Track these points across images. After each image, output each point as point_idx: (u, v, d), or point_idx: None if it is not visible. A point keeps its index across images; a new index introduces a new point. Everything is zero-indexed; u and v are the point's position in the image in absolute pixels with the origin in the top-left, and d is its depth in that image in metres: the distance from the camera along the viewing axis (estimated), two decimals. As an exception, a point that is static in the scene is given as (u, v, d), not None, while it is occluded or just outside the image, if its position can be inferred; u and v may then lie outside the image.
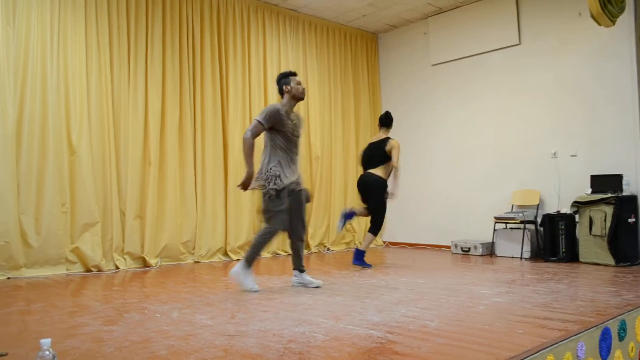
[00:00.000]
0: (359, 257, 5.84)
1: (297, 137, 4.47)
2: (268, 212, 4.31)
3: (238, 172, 6.85)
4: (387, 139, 5.89)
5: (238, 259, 6.71)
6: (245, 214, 6.93)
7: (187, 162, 6.52)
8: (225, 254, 6.77)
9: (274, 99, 7.32)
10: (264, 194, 4.29)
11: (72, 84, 5.70)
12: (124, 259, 5.96)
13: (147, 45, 6.27)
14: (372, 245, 8.24)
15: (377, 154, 5.85)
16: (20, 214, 5.30)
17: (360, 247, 5.90)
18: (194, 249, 6.51)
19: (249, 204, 6.96)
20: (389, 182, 5.78)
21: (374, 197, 5.78)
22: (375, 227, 5.84)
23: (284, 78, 4.45)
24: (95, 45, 5.88)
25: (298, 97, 4.42)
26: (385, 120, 6.05)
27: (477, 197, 7.37)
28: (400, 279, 4.95)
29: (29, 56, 5.44)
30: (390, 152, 5.78)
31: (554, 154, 6.61)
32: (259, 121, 4.28)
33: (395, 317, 3.31)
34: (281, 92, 4.47)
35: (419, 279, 4.97)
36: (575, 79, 6.47)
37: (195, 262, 6.46)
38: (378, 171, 5.79)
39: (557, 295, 3.96)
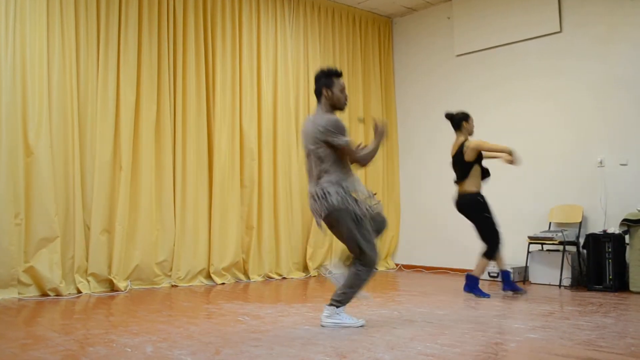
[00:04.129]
0: (473, 285, 5.74)
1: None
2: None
3: (224, 178, 6.86)
4: (464, 142, 5.81)
5: (223, 283, 6.71)
6: (233, 228, 6.92)
7: (165, 167, 6.52)
8: (208, 276, 6.76)
9: (268, 92, 7.36)
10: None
11: (30, 72, 5.70)
12: (88, 281, 5.95)
13: (119, 28, 6.28)
14: (382, 269, 8.24)
15: (459, 165, 5.84)
16: (-35, 226, 5.30)
17: (473, 273, 5.77)
18: (171, 270, 6.50)
19: (236, 217, 6.95)
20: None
21: (473, 217, 5.79)
22: (489, 250, 5.72)
23: (326, 78, 4.32)
24: (59, 26, 5.89)
25: (338, 107, 4.34)
26: (452, 122, 5.97)
27: (509, 213, 7.31)
28: (416, 310, 4.93)
29: (-21, 40, 5.46)
30: (472, 157, 5.74)
31: (601, 162, 6.60)
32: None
33: (411, 356, 3.29)
34: (317, 94, 4.35)
35: (439, 309, 4.95)
36: (626, 73, 6.47)
37: (173, 286, 6.44)
38: (467, 185, 5.79)
39: (604, 331, 3.94)
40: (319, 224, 4.25)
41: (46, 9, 5.81)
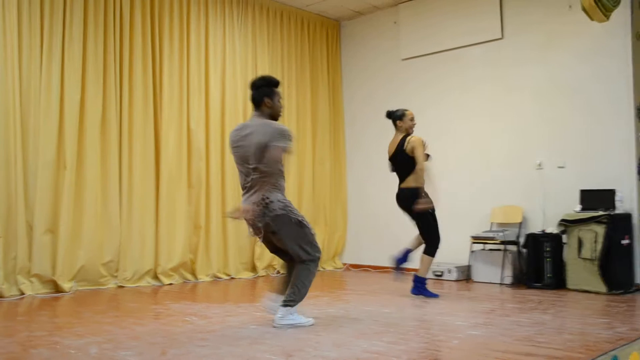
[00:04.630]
0: (421, 287, 5.67)
1: None
2: None
3: (172, 177, 6.80)
4: (405, 137, 5.73)
5: (170, 284, 6.64)
6: (180, 228, 6.86)
7: (111, 166, 6.42)
8: (155, 277, 6.68)
9: (216, 93, 7.32)
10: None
11: (-29, 68, 5.54)
12: (31, 282, 5.81)
13: (64, 24, 6.15)
14: (329, 268, 8.28)
15: (402, 161, 5.72)
16: None
17: (418, 274, 5.68)
18: (117, 271, 6.40)
19: (183, 217, 6.89)
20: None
21: (412, 213, 5.66)
22: (429, 247, 5.66)
23: (267, 87, 4.32)
24: (0, 21, 5.72)
25: (276, 117, 4.34)
26: (390, 117, 5.87)
27: (452, 214, 7.45)
28: (362, 308, 4.98)
29: None
30: (412, 152, 5.64)
31: (539, 165, 6.78)
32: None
33: (356, 353, 3.33)
34: (256, 102, 4.33)
35: (384, 307, 5.01)
36: (563, 79, 6.67)
37: (119, 286, 6.34)
38: (409, 181, 5.69)
39: (542, 328, 4.06)
40: (257, 233, 4.19)
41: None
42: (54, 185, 6.02)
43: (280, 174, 4.17)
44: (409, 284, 5.74)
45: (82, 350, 3.43)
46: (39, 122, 5.94)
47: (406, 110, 5.85)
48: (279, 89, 4.37)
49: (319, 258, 4.23)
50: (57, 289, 5.90)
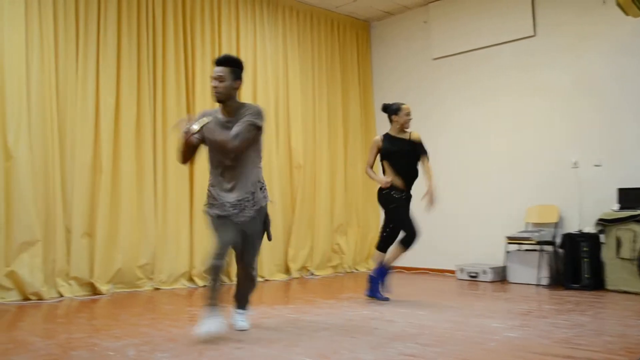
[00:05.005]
0: (375, 287, 5.56)
1: None
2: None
3: (206, 181, 6.79)
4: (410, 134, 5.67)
5: (205, 286, 6.66)
6: (214, 231, 6.88)
7: (146, 170, 6.49)
8: (190, 279, 6.73)
9: (247, 95, 7.36)
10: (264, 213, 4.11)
11: (9, 73, 5.64)
12: (70, 285, 5.89)
13: (99, 30, 6.24)
14: (362, 270, 8.26)
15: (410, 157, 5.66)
16: (-56, 231, 5.24)
17: (385, 265, 5.53)
18: (153, 273, 6.46)
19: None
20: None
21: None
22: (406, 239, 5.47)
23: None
24: (37, 29, 5.82)
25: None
26: (385, 111, 5.74)
27: (486, 214, 7.40)
28: (396, 310, 4.94)
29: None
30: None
31: (575, 163, 6.68)
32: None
33: (391, 356, 3.30)
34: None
35: (419, 309, 4.97)
36: (597, 77, 6.56)
37: (155, 289, 6.40)
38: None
39: (581, 330, 3.98)
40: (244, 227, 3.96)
41: (24, 11, 5.74)
42: (90, 189, 6.10)
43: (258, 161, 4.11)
44: (446, 286, 5.69)
45: (120, 352, 3.46)
46: (75, 127, 6.03)
47: (402, 104, 5.63)
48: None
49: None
50: (95, 291, 5.98)
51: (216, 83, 3.89)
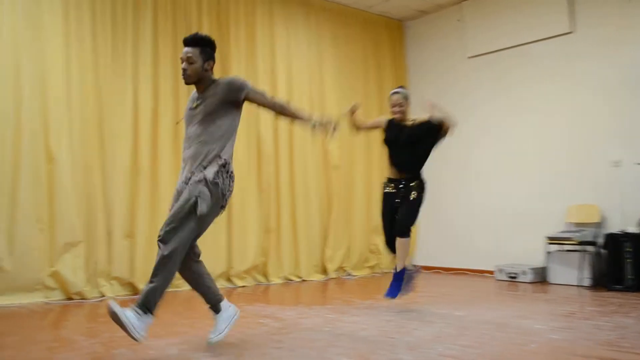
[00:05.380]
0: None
1: None
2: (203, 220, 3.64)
3: (243, 182, 6.87)
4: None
5: (243, 286, 6.72)
6: (252, 232, 6.94)
7: (184, 172, 6.53)
8: (229, 279, 6.78)
9: (283, 96, 7.34)
10: (213, 194, 3.59)
11: (50, 79, 5.76)
12: (111, 285, 5.99)
13: (137, 34, 6.34)
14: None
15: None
16: (-10, 232, 5.36)
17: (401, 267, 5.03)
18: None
19: (255, 220, 6.97)
20: None
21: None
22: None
23: None
24: (76, 34, 5.94)
25: None
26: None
27: (526, 214, 7.29)
28: (435, 311, 4.91)
29: (-2, 46, 5.54)
30: None
31: (616, 162, 6.54)
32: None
33: (431, 357, 3.28)
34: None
35: (458, 310, 4.92)
36: (636, 73, 6.41)
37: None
38: None
39: (625, 332, 3.91)
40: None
41: (63, 17, 5.86)
42: (130, 190, 6.18)
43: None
44: (485, 287, 5.62)
45: (161, 351, 3.51)
46: (114, 130, 6.12)
47: (393, 93, 5.30)
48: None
49: None
50: (135, 291, 6.05)
51: (185, 65, 3.65)
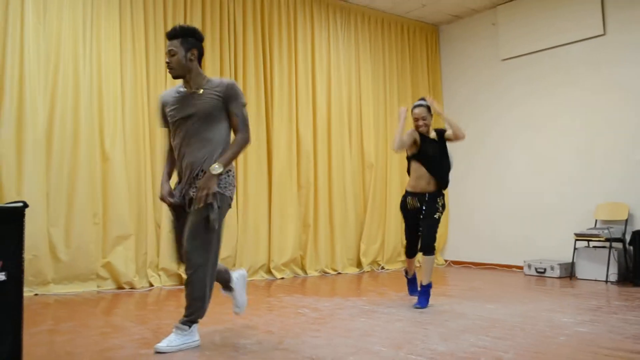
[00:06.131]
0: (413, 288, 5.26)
1: None
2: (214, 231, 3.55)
3: (283, 179, 6.93)
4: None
5: (282, 278, 6.77)
6: (291, 226, 6.98)
7: (227, 169, 6.61)
8: (269, 271, 6.83)
9: (322, 98, 7.42)
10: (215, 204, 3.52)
11: (106, 83, 5.89)
12: (159, 275, 6.10)
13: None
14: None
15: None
16: (49, 226, 5.50)
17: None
18: (234, 265, 6.59)
19: (294, 216, 7.02)
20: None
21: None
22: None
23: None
24: (130, 42, 6.07)
25: None
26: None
27: (555, 211, 7.20)
28: (466, 304, 4.89)
29: (60, 54, 5.66)
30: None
31: (646, 161, 6.43)
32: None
33: (464, 347, 3.28)
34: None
35: (488, 303, 4.89)
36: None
37: (236, 280, 6.52)
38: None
39: (652, 326, 3.84)
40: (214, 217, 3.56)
41: (118, 27, 6.00)
42: (178, 187, 6.27)
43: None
44: (514, 281, 5.56)
45: (206, 338, 3.57)
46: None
47: (415, 107, 5.07)
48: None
49: None
50: (182, 281, 6.13)
51: (168, 58, 3.43)
